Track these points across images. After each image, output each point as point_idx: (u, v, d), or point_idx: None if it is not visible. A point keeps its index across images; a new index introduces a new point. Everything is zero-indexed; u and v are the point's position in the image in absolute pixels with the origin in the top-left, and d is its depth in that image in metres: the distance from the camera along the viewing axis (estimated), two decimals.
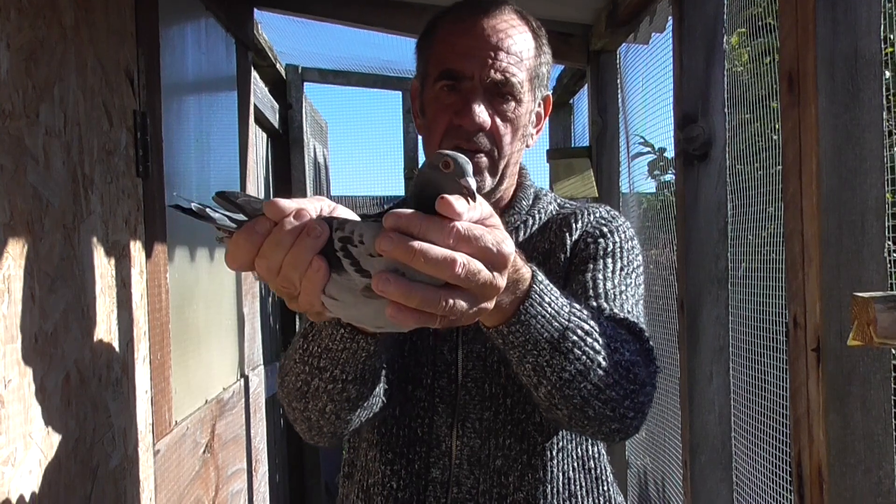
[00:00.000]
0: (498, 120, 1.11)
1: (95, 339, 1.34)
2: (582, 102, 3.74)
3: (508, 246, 0.72)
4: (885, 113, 1.15)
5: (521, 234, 1.19)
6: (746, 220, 1.95)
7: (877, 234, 1.15)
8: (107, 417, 1.39)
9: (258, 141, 3.49)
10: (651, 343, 1.07)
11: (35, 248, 1.14)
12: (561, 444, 1.15)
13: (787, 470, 1.70)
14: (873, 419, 1.14)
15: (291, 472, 4.06)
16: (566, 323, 0.89)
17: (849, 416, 1.14)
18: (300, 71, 4.08)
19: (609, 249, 1.14)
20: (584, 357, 0.91)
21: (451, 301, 0.68)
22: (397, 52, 3.59)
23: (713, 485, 1.96)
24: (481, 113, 1.09)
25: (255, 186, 2.93)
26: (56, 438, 1.20)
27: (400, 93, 4.52)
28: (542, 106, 1.21)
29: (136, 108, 1.57)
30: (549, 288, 0.88)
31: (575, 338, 0.90)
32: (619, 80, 2.96)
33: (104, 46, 1.41)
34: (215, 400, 2.16)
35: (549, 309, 0.87)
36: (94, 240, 1.35)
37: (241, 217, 0.72)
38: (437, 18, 1.16)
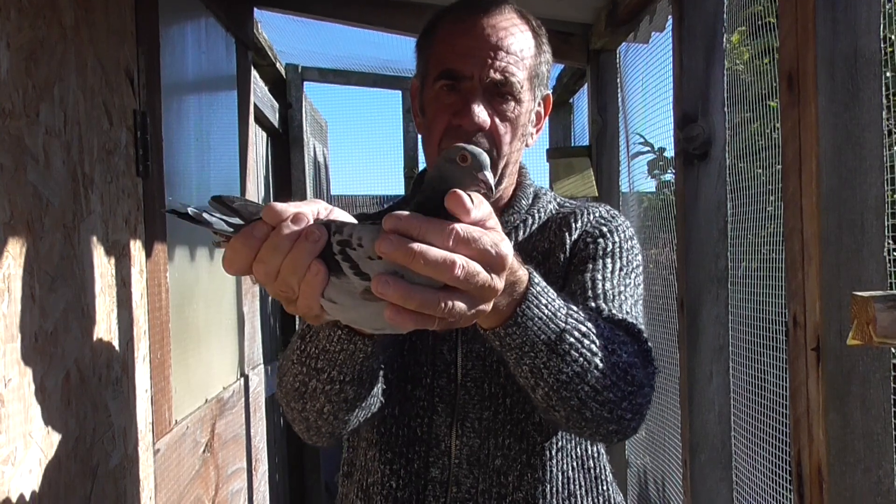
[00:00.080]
0: (497, 120, 1.11)
1: (95, 339, 1.34)
2: (582, 101, 3.74)
3: (506, 248, 0.72)
4: (884, 112, 1.15)
5: (521, 233, 1.18)
6: (746, 220, 1.95)
7: (876, 233, 1.15)
8: (107, 416, 1.39)
9: (258, 140, 3.49)
10: (649, 344, 1.07)
11: (35, 248, 1.14)
12: (560, 443, 1.15)
13: (786, 469, 1.70)
14: (873, 418, 1.14)
15: (291, 472, 4.06)
16: (563, 325, 0.89)
17: (848, 416, 1.14)
18: (300, 70, 4.08)
19: (608, 249, 1.14)
20: (581, 359, 0.91)
21: (449, 303, 0.68)
22: (397, 51, 3.59)
23: (713, 484, 1.96)
24: (481, 113, 1.09)
25: (255, 185, 2.93)
26: (56, 437, 1.20)
27: (400, 92, 4.52)
28: (542, 105, 1.20)
29: (136, 108, 1.57)
30: (545, 290, 0.88)
31: (572, 340, 0.90)
32: (618, 80, 2.96)
33: (104, 46, 1.41)
34: (215, 399, 2.16)
35: (546, 311, 0.87)
36: (94, 239, 1.35)
37: (237, 221, 0.71)
38: (437, 18, 1.16)
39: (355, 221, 0.72)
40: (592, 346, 0.92)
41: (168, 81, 1.75)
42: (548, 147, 3.83)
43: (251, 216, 0.71)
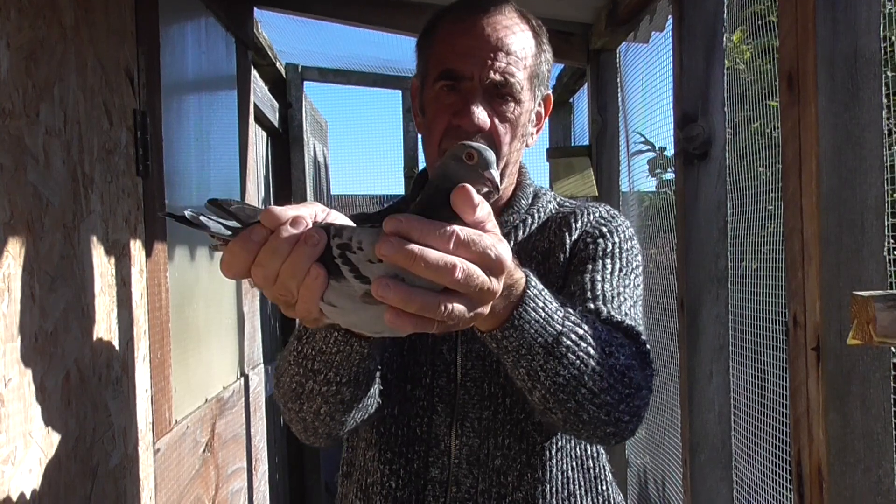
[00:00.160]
0: (497, 121, 1.11)
1: (95, 338, 1.34)
2: (582, 101, 3.74)
3: (505, 251, 0.71)
4: (884, 112, 1.15)
5: (521, 233, 1.18)
6: (746, 219, 1.95)
7: (876, 232, 1.15)
8: (107, 416, 1.39)
9: (258, 140, 3.49)
10: (647, 346, 1.07)
11: (35, 248, 1.14)
12: (560, 443, 1.15)
13: (786, 469, 1.70)
14: (873, 418, 1.14)
15: (291, 471, 4.06)
16: (560, 328, 0.89)
17: (848, 415, 1.14)
18: (300, 70, 4.07)
19: (608, 250, 1.14)
20: (578, 362, 0.91)
21: (449, 306, 0.68)
22: (397, 51, 3.59)
23: (713, 484, 1.96)
24: (480, 114, 1.09)
25: (255, 185, 2.93)
26: (56, 437, 1.20)
27: (400, 92, 4.51)
28: (542, 105, 1.20)
29: (136, 108, 1.57)
30: (542, 292, 0.88)
31: (569, 342, 0.90)
32: (618, 79, 2.96)
33: (104, 46, 1.41)
34: (215, 399, 2.16)
35: (543, 314, 0.87)
36: (94, 239, 1.35)
37: (235, 224, 0.71)
38: (437, 17, 1.16)
39: (353, 224, 0.72)
40: (589, 348, 0.92)
41: (168, 81, 1.75)
42: (548, 147, 3.83)
43: (249, 220, 0.71)
